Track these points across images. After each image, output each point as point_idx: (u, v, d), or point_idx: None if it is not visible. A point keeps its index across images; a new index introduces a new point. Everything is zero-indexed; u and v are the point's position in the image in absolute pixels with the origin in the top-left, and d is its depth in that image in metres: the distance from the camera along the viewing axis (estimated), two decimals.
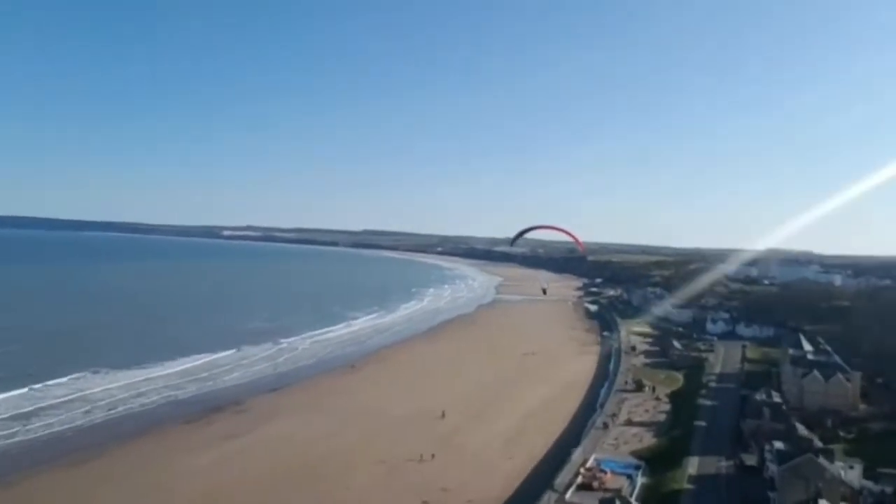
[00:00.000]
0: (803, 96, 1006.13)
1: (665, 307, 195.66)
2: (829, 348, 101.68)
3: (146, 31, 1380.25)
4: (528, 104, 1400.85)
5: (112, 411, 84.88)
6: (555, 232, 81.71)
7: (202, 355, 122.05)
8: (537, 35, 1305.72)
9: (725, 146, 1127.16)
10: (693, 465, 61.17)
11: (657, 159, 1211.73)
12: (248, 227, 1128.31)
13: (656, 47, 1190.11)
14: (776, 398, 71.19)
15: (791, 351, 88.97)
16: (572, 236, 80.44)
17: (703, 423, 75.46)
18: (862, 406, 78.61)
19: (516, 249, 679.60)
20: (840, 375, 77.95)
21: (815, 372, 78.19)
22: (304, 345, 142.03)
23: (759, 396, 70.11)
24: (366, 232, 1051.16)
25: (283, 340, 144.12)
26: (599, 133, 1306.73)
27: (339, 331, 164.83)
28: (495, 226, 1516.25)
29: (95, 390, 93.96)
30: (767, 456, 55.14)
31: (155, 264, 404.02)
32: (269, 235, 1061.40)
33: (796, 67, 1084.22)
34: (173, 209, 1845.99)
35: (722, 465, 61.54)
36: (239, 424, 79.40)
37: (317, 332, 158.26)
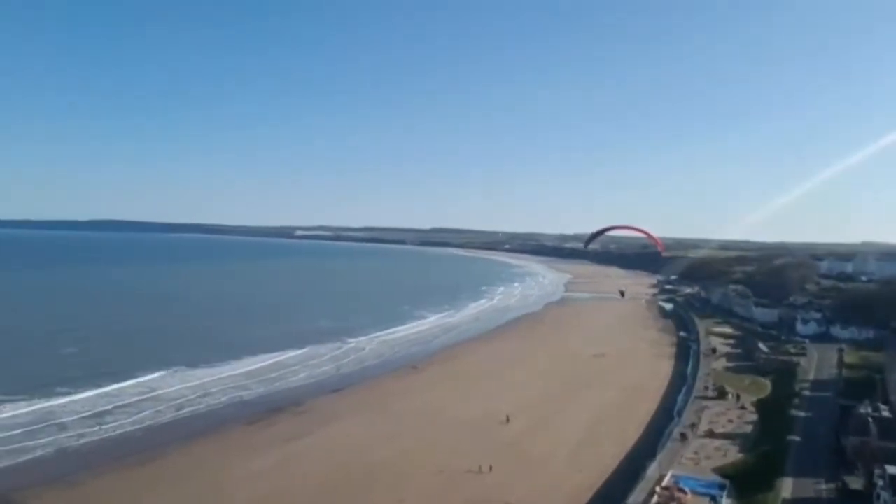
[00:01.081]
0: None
1: (748, 306, 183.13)
2: None
3: (217, 33, 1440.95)
4: (600, 104, 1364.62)
5: (180, 411, 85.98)
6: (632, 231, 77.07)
7: (270, 355, 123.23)
8: (609, 35, 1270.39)
9: (811, 136, 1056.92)
10: (787, 488, 54.22)
11: (736, 154, 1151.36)
12: (320, 227, 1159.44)
13: (744, 44, 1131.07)
14: (885, 412, 62.71)
15: None
16: (650, 235, 75.16)
17: (796, 438, 67.68)
18: None
19: (589, 246, 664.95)
20: None
21: None
22: (371, 344, 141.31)
23: (864, 409, 61.82)
24: (433, 230, 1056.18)
25: (349, 340, 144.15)
26: (670, 134, 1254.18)
27: (406, 330, 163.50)
28: (564, 222, 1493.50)
29: (167, 390, 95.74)
30: (878, 482, 47.93)
31: (231, 264, 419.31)
32: (339, 235, 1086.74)
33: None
34: (252, 211, 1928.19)
35: (822, 488, 54.11)
36: (299, 426, 78.51)
37: (383, 331, 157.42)
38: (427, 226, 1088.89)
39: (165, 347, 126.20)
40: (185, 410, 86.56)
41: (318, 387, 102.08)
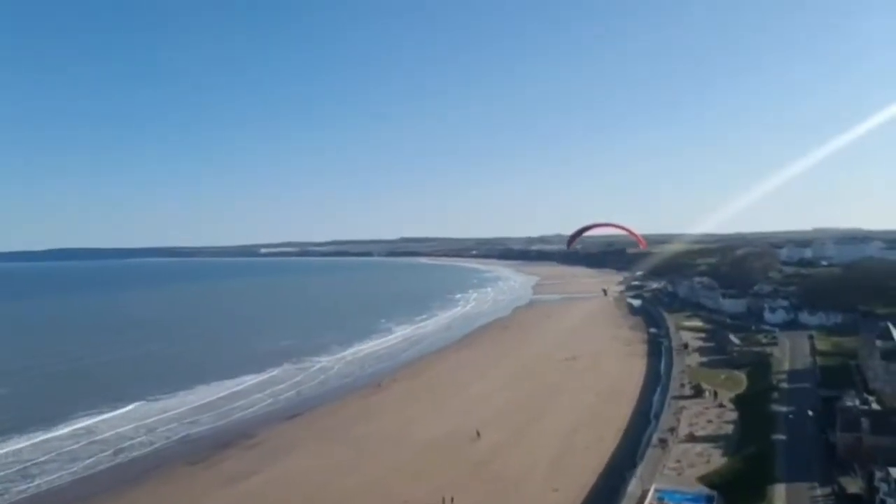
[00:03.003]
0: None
1: (715, 297, 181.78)
2: None
3: (178, 53, 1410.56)
4: (558, 102, 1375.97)
5: (119, 456, 77.99)
6: (611, 229, 74.75)
7: (227, 382, 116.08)
8: (560, 34, 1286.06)
9: (758, 126, 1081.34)
10: (780, 496, 49.44)
11: (690, 145, 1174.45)
12: (285, 244, 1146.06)
13: (681, 35, 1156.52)
14: (873, 403, 59.02)
15: (879, 342, 76.09)
16: (631, 232, 72.67)
17: (781, 437, 63.40)
18: None
19: (552, 247, 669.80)
20: None
21: None
22: (336, 363, 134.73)
23: (851, 402, 58.09)
24: (401, 240, 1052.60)
25: (313, 360, 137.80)
26: (632, 123, 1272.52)
27: (373, 345, 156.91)
28: (530, 225, 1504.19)
29: (108, 433, 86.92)
30: (881, 486, 43.70)
31: (192, 287, 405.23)
32: (305, 250, 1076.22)
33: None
34: (214, 231, 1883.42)
35: (817, 493, 49.58)
36: (249, 462, 71.37)
37: (350, 348, 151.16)
38: (395, 236, 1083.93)
39: (113, 383, 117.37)
40: (125, 455, 78.58)
41: (273, 414, 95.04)
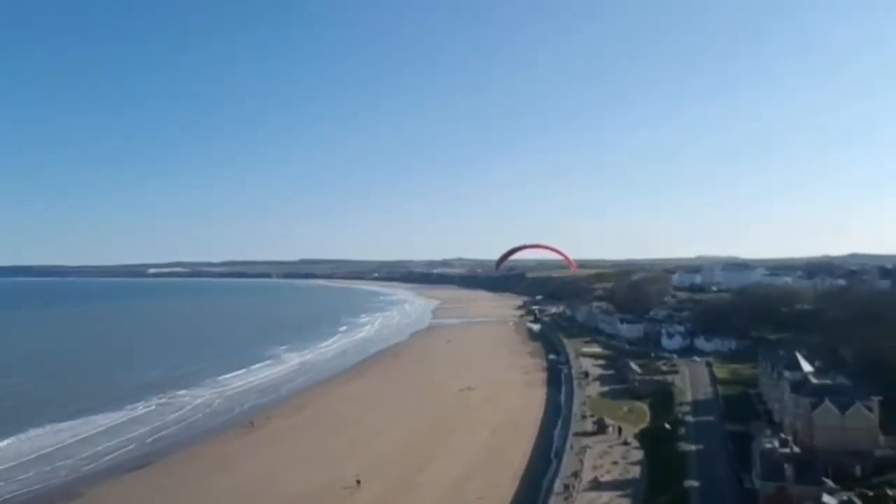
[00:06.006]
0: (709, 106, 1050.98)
1: (613, 322, 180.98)
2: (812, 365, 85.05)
3: (65, 73, 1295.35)
4: (455, 127, 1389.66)
5: None
6: (541, 251, 73.07)
7: (71, 424, 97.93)
8: (464, 55, 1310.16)
9: (640, 155, 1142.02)
10: None
11: (578, 173, 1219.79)
12: (176, 264, 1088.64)
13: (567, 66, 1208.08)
14: (791, 444, 53.54)
15: (787, 373, 72.64)
16: (562, 254, 71.95)
17: (694, 483, 56.74)
18: (881, 439, 62.03)
19: (453, 270, 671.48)
20: (858, 404, 61.25)
21: (828, 401, 61.63)
22: (213, 397, 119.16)
23: (769, 444, 52.47)
24: (301, 262, 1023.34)
25: (182, 393, 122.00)
26: (525, 147, 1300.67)
27: (260, 376, 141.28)
28: (432, 248, 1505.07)
29: None
30: None
31: (55, 311, 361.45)
32: (197, 271, 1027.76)
33: (705, 74, 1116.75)
34: (95, 249, 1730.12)
35: None
36: None
37: (233, 379, 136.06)
38: (293, 258, 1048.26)
39: None
40: None
41: (112, 466, 78.71)
